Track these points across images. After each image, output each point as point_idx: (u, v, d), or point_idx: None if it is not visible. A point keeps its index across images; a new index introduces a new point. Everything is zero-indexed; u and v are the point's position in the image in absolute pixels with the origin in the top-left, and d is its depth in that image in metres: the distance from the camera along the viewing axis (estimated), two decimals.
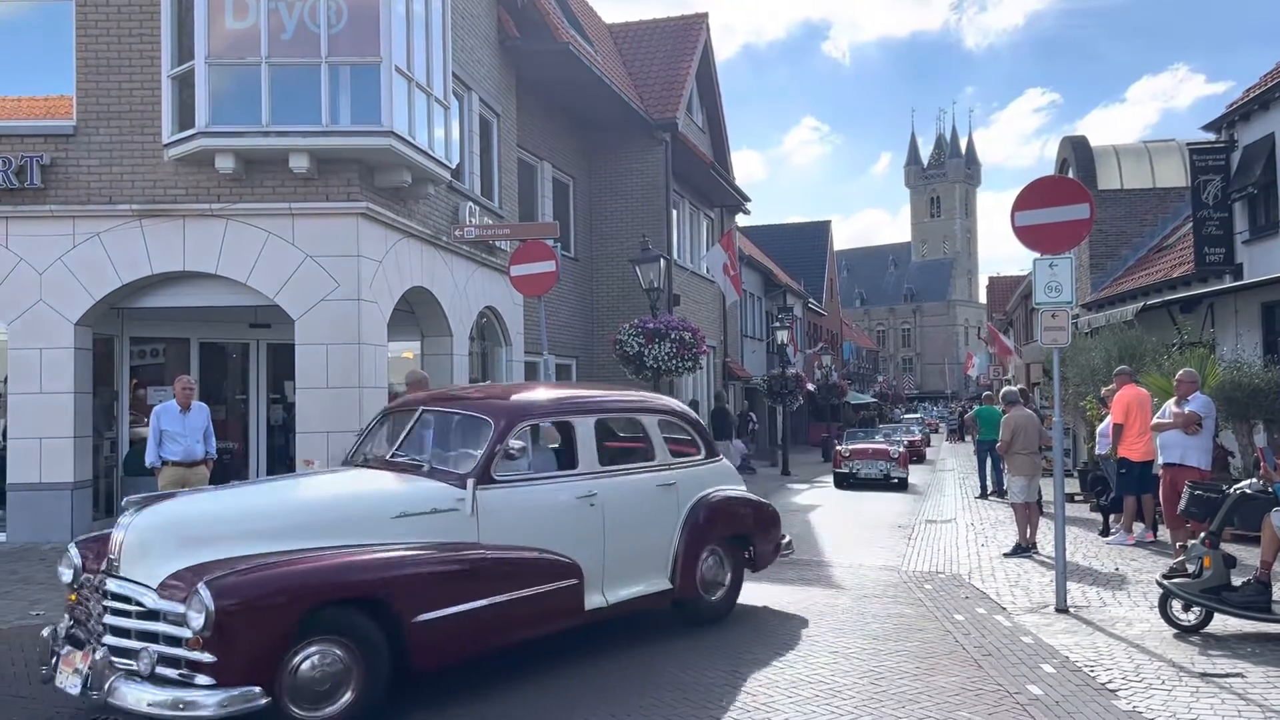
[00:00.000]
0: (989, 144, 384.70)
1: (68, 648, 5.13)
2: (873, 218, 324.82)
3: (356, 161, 11.73)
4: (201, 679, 4.57)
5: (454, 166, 13.77)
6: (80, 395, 11.65)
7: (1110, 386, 11.98)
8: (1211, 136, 17.71)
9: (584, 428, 6.84)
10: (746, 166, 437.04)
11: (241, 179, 11.58)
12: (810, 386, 33.53)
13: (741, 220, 35.09)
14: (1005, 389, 11.99)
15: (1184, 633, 6.95)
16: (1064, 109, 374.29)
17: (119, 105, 11.70)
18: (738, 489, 8.09)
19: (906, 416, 57.61)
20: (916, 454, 29.24)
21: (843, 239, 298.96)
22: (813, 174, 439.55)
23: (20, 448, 11.40)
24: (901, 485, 20.66)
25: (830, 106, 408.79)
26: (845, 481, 21.05)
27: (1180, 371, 10.34)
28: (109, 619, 5.01)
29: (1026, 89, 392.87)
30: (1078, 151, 23.28)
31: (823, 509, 16.63)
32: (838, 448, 22.54)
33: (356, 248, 11.71)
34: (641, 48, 24.49)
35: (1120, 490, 11.37)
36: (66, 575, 5.55)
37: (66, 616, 5.46)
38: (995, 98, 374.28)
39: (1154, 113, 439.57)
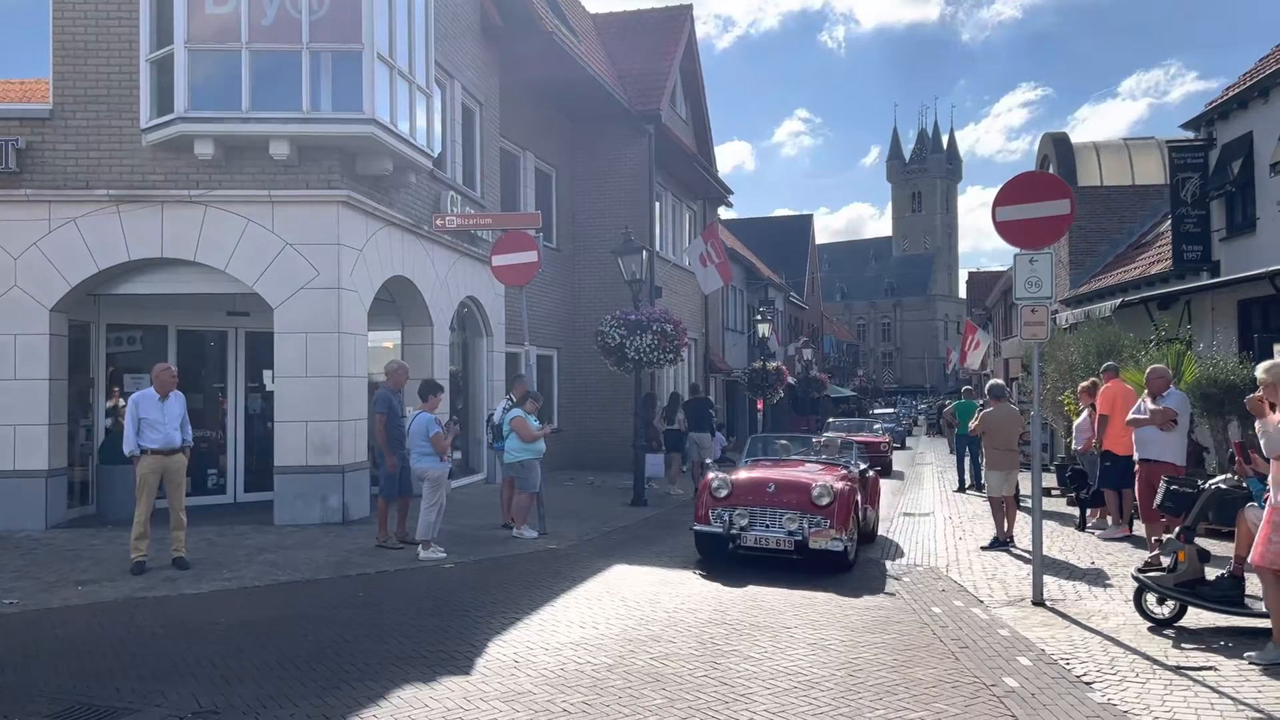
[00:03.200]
0: (980, 138, 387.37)
1: None
2: (859, 211, 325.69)
3: (337, 149, 11.65)
4: None
5: (436, 155, 13.70)
6: (55, 382, 11.53)
7: (1086, 383, 12.08)
8: (1191, 135, 17.83)
9: None
10: (736, 157, 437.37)
11: (221, 165, 11.48)
12: (791, 380, 33.60)
13: (724, 213, 35.14)
14: (991, 383, 12.05)
15: (1158, 626, 7.02)
16: (1055, 103, 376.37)
17: (96, 89, 11.56)
18: None
19: (878, 411, 49.07)
20: (880, 461, 21.62)
21: (829, 232, 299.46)
22: (802, 166, 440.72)
23: None
24: (836, 562, 9.50)
25: (823, 98, 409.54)
26: (715, 552, 9.94)
27: (1150, 369, 10.43)
28: None
29: (1019, 83, 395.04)
30: (1058, 148, 23.40)
31: None
32: (709, 476, 10.50)
33: (337, 236, 11.64)
34: (625, 39, 24.43)
35: (1102, 483, 11.45)
36: None
37: None
38: (988, 91, 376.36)
39: (1144, 108, 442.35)
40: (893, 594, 8.63)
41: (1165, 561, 7.09)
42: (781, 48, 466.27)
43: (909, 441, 41.94)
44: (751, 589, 8.68)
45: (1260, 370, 6.26)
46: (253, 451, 13.72)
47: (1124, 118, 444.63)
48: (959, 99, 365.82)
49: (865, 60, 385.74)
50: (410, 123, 12.47)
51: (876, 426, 26.82)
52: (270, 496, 11.98)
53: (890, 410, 53.42)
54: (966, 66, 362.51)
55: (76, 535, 10.91)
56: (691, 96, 27.31)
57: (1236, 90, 15.96)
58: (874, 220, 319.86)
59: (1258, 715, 5.14)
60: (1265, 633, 6.66)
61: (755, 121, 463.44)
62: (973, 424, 11.74)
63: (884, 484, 17.12)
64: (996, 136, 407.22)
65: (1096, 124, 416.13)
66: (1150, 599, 7.16)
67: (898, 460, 26.92)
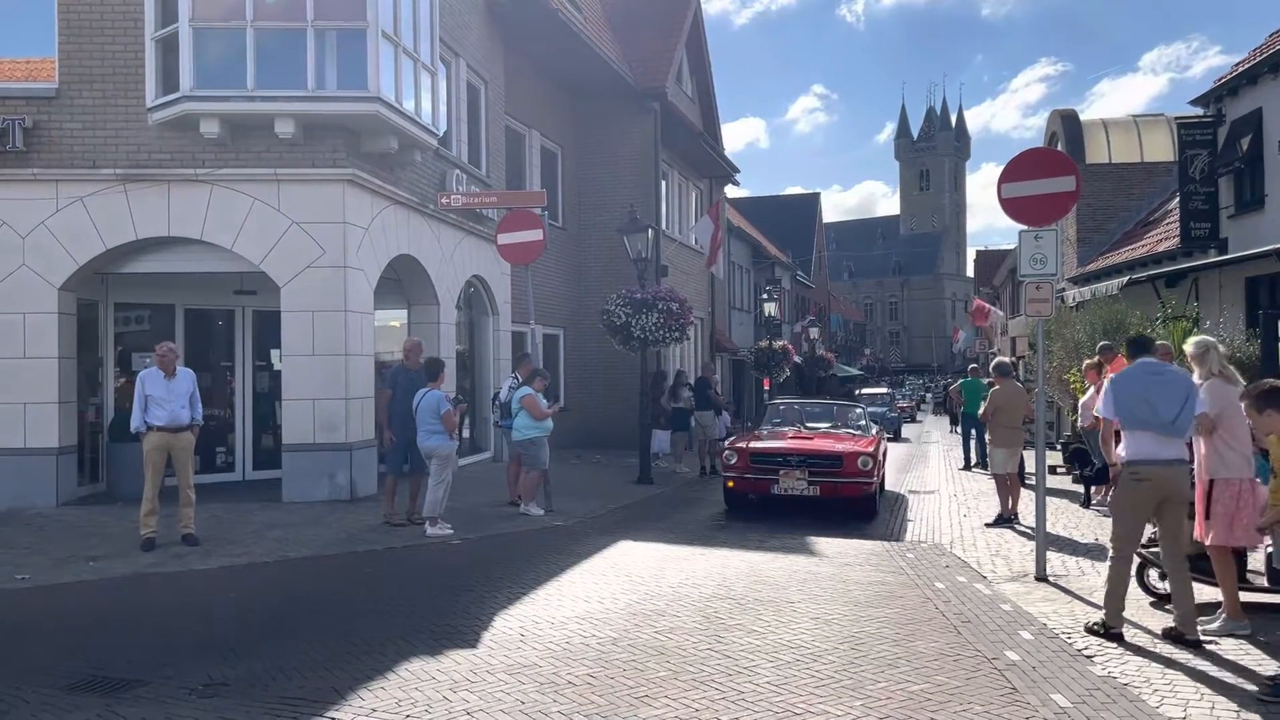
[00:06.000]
0: (996, 114, 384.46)
1: None
2: (872, 189, 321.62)
3: (343, 128, 11.65)
4: None
5: (441, 134, 13.68)
6: (64, 360, 11.61)
7: (1092, 360, 12.08)
8: (1200, 111, 17.72)
9: None
10: (750, 134, 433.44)
11: (226, 144, 11.49)
12: (797, 358, 33.57)
13: (732, 191, 35.02)
14: (997, 360, 12.06)
15: (1160, 601, 7.03)
16: (1074, 79, 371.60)
17: (102, 68, 11.57)
18: None
19: (868, 391, 37.74)
20: (849, 495, 11.70)
21: (841, 210, 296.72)
22: (816, 143, 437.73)
23: (4, 413, 11.36)
24: None
25: (839, 74, 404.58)
26: None
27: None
28: None
29: (1039, 58, 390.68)
30: (1066, 125, 23.28)
31: None
32: None
33: (343, 214, 11.66)
34: (631, 15, 24.27)
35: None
36: None
37: None
38: (1006, 67, 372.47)
39: (1164, 83, 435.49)
40: (896, 569, 8.67)
41: None
42: (799, 23, 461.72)
43: (905, 431, 32.48)
44: (755, 564, 8.73)
45: (1189, 344, 6.68)
46: (261, 429, 13.80)
47: (1144, 93, 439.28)
48: (976, 75, 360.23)
49: (884, 35, 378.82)
50: (415, 101, 12.46)
51: (857, 414, 14.65)
52: (278, 474, 12.07)
53: (883, 390, 39.21)
54: (986, 41, 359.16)
55: (87, 512, 11.01)
56: (698, 74, 27.18)
57: (1246, 66, 15.85)
58: (886, 198, 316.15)
59: (1258, 687, 5.18)
60: (1266, 607, 6.71)
61: (770, 98, 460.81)
62: (984, 409, 11.65)
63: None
64: (1013, 113, 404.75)
65: (1116, 99, 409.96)
66: (1153, 574, 7.18)
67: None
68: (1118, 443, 6.41)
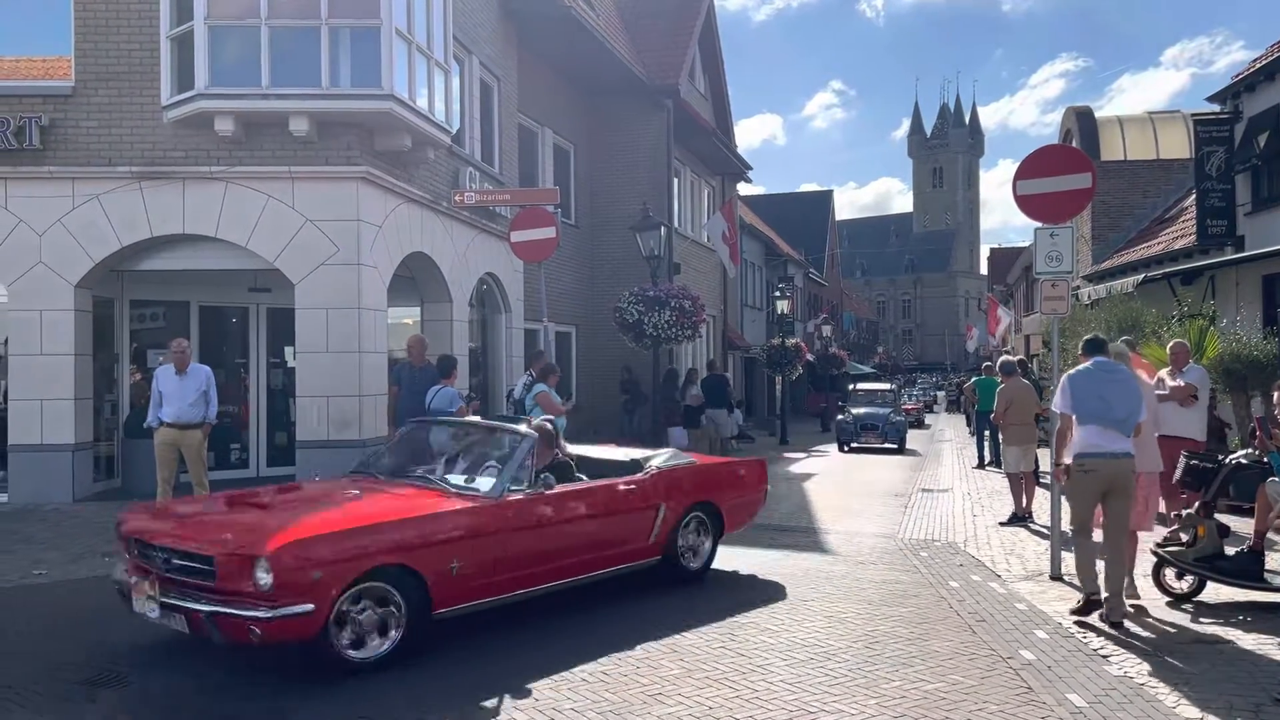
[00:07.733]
0: (1015, 110, 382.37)
1: None
2: (887, 186, 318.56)
3: (356, 125, 11.67)
4: None
5: (454, 131, 13.70)
6: (80, 357, 11.68)
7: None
8: (1217, 108, 17.60)
9: None
10: (766, 131, 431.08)
11: (241, 142, 11.53)
12: (810, 357, 33.45)
13: (745, 189, 34.99)
14: (1002, 359, 12.03)
15: (1176, 600, 7.01)
16: (1094, 75, 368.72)
17: (118, 66, 11.63)
18: None
19: (864, 387, 29.31)
20: (235, 626, 5.05)
21: (857, 207, 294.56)
22: (832, 140, 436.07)
23: (21, 409, 11.44)
24: None
25: (857, 71, 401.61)
26: None
27: (1172, 343, 10.38)
28: None
29: (1060, 53, 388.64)
30: (1081, 122, 23.16)
31: (819, 477, 16.71)
32: None
33: (356, 212, 11.68)
34: (644, 12, 24.23)
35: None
36: None
37: None
38: (1026, 62, 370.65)
39: (1186, 79, 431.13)
40: (910, 568, 8.65)
41: (1184, 536, 7.07)
42: (818, 19, 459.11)
43: (911, 441, 24.87)
44: (767, 561, 8.72)
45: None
46: (275, 426, 13.85)
47: (1165, 89, 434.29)
48: (995, 70, 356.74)
49: (904, 31, 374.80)
50: (429, 98, 12.48)
51: (511, 446, 6.83)
52: (292, 470, 12.10)
53: (884, 387, 30.32)
54: (1006, 36, 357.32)
55: (103, 508, 11.06)
56: (711, 71, 27.12)
57: (1264, 62, 15.74)
58: (902, 195, 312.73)
59: (1276, 685, 5.14)
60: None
61: (787, 95, 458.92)
62: (998, 409, 11.62)
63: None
64: (1031, 109, 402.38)
65: (1137, 95, 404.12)
66: (1169, 574, 7.15)
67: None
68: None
